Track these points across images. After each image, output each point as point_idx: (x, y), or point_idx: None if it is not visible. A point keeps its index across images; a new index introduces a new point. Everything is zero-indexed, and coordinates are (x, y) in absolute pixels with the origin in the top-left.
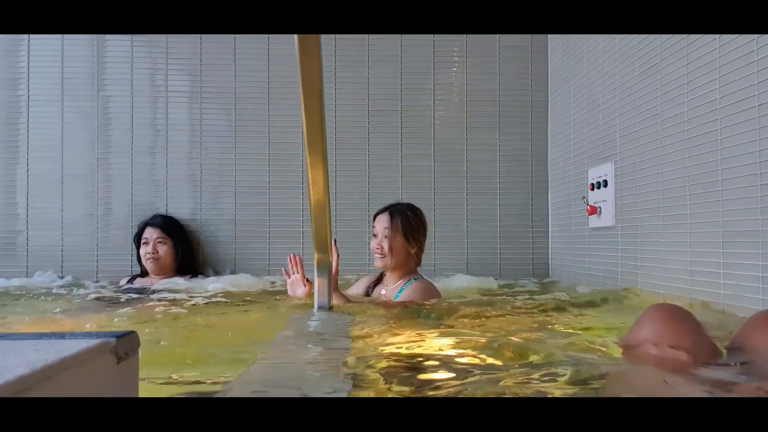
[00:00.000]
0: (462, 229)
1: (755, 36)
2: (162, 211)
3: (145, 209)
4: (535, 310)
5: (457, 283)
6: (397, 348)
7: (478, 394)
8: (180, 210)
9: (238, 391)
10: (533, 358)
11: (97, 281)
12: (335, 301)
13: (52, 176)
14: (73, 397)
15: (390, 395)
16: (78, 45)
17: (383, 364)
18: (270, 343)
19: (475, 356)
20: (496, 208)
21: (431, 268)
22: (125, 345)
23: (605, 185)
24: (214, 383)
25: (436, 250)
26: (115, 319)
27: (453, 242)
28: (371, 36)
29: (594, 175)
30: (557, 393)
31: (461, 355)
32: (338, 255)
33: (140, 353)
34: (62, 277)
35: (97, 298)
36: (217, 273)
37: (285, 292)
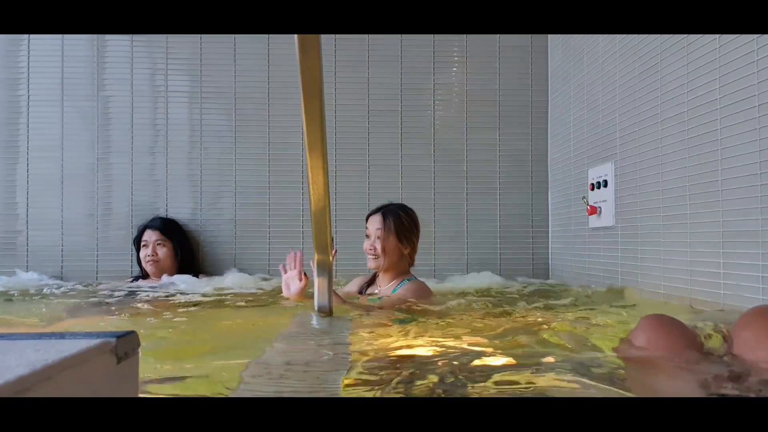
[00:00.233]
0: (462, 229)
1: (755, 36)
2: (162, 211)
3: (145, 209)
4: (535, 310)
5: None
6: (397, 348)
7: (478, 394)
8: (180, 210)
9: (239, 391)
10: (533, 358)
11: (97, 281)
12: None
13: (52, 176)
14: (73, 397)
15: (390, 395)
16: (78, 45)
17: (383, 364)
18: (270, 344)
19: (474, 356)
20: (496, 208)
21: (431, 269)
22: (125, 345)
23: (605, 185)
24: (214, 383)
25: (436, 251)
26: (115, 320)
27: (453, 242)
28: (371, 36)
29: (594, 175)
30: (557, 393)
31: (461, 355)
32: (336, 251)
33: (140, 353)
34: (61, 279)
35: (98, 299)
36: (217, 273)
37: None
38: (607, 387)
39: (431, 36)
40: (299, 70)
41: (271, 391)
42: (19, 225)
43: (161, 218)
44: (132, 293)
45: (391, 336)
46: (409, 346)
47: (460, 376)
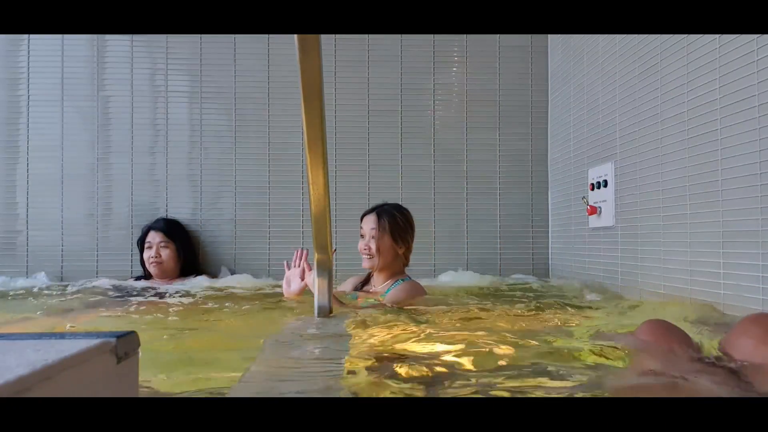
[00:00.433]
0: (462, 229)
1: (755, 36)
2: (162, 211)
3: (145, 209)
4: (534, 310)
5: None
6: (396, 348)
7: (478, 393)
8: (180, 210)
9: (239, 391)
10: (532, 358)
11: (97, 281)
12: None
13: (52, 176)
14: (73, 397)
15: (390, 395)
16: (78, 45)
17: (383, 364)
18: (270, 344)
19: (474, 356)
20: (496, 208)
21: (431, 269)
22: (125, 345)
23: (605, 185)
24: (214, 383)
25: (436, 250)
26: (115, 320)
27: (453, 242)
28: (371, 36)
29: (594, 175)
30: (556, 393)
31: (460, 355)
32: (335, 250)
33: (140, 353)
34: (61, 279)
35: (99, 299)
36: (217, 273)
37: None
38: (605, 387)
39: (431, 36)
40: (299, 70)
41: (270, 391)
42: (19, 225)
43: (165, 219)
44: (133, 293)
45: (390, 336)
46: (408, 346)
47: (460, 376)
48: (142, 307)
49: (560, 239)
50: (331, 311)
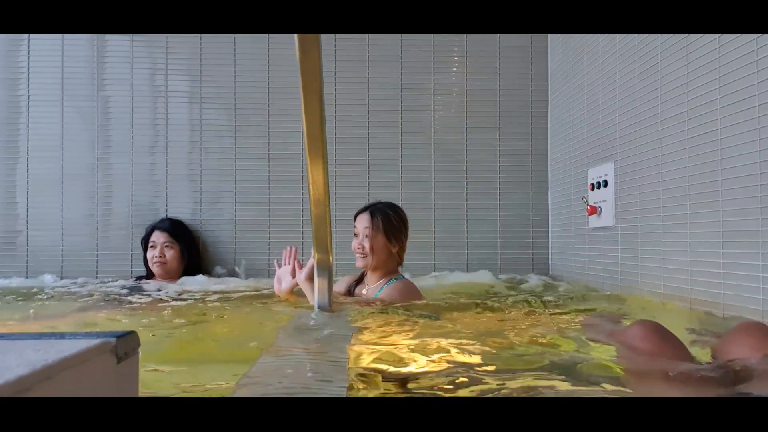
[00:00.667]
0: (462, 229)
1: (755, 36)
2: (162, 211)
3: (145, 209)
4: (534, 310)
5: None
6: (395, 348)
7: (478, 394)
8: (180, 210)
9: (240, 391)
10: (532, 357)
11: (97, 281)
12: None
13: (52, 176)
14: (73, 397)
15: (390, 395)
16: (78, 45)
17: (382, 364)
18: (269, 343)
19: (473, 355)
20: (496, 208)
21: (431, 268)
22: (125, 345)
23: (605, 185)
24: (214, 383)
25: (435, 250)
26: (116, 320)
27: (453, 242)
28: (371, 36)
29: (594, 175)
30: (556, 393)
31: (460, 355)
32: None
33: (140, 353)
34: (61, 279)
35: (99, 299)
36: (217, 273)
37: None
38: (601, 387)
39: (431, 36)
40: (299, 70)
41: (270, 391)
42: (19, 225)
43: (170, 219)
44: (133, 293)
45: (389, 336)
46: (406, 346)
47: (459, 376)
48: (142, 307)
49: (560, 239)
50: (331, 309)
